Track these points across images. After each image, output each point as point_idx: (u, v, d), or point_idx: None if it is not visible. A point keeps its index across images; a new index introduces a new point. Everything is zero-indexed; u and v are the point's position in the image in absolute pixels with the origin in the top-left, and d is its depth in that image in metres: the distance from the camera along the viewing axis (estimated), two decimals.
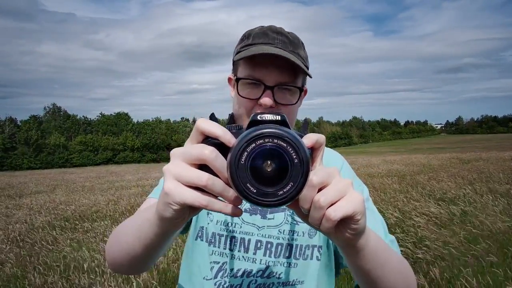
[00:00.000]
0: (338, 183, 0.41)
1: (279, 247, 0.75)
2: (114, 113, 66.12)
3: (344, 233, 0.42)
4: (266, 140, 0.37)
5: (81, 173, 27.11)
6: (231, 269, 0.75)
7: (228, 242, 0.77)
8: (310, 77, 0.76)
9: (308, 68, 0.75)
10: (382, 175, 10.26)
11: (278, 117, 0.42)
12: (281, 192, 0.38)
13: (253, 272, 0.74)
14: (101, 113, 65.51)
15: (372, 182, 8.52)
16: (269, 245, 0.74)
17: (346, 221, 0.41)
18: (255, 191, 0.38)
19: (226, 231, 0.77)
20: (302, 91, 0.74)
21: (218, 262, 0.77)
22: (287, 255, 0.76)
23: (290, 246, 0.75)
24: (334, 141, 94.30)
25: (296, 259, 0.76)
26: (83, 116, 65.02)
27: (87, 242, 5.00)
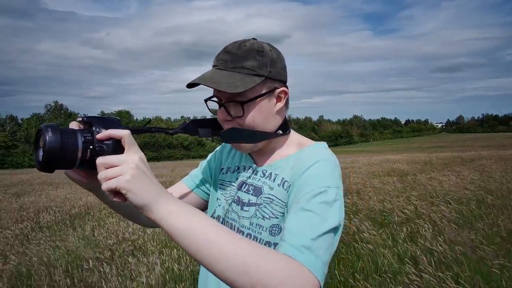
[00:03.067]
0: (118, 169, 0.58)
1: (248, 237, 0.83)
2: (115, 111, 66.31)
3: (123, 199, 0.59)
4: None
5: None
6: None
7: (223, 223, 0.89)
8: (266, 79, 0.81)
9: (269, 73, 0.80)
10: (384, 174, 10.25)
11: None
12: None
13: None
14: (102, 111, 65.66)
15: (373, 182, 8.50)
16: (241, 233, 0.84)
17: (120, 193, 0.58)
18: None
19: (224, 216, 0.90)
20: (251, 100, 0.78)
21: None
22: None
23: (255, 238, 0.82)
24: (335, 140, 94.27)
25: None
26: (84, 114, 65.05)
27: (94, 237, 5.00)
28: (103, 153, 0.60)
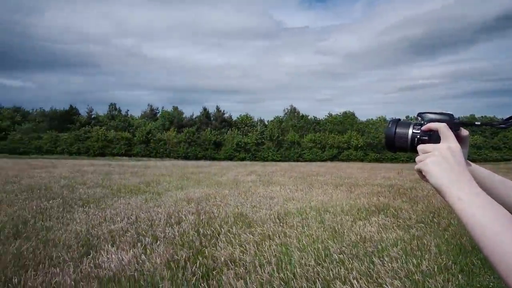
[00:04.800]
0: (428, 154, 0.71)
1: None
2: (340, 112, 69.68)
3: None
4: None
5: (308, 166, 30.05)
6: None
7: None
8: None
9: None
10: None
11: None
12: None
13: None
14: (329, 113, 70.61)
15: None
16: None
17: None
18: None
19: None
20: None
21: None
22: None
23: None
24: None
25: None
26: (313, 116, 72.19)
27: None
28: (425, 141, 0.76)
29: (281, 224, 6.31)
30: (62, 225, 6.15)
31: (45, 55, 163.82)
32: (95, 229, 5.80)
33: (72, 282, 3.53)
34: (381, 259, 4.26)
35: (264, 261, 4.19)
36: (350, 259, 4.25)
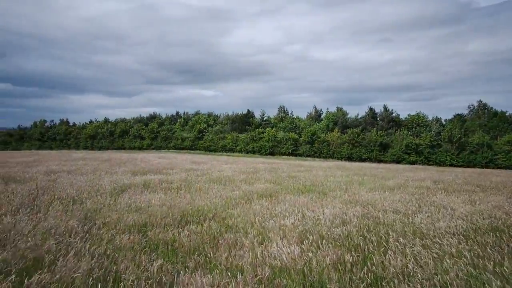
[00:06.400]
0: None
1: None
2: None
3: None
4: None
5: (504, 173, 23.99)
6: None
7: None
8: None
9: None
10: None
11: None
12: None
13: None
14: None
15: None
16: None
17: None
18: None
19: None
20: None
21: None
22: None
23: None
24: None
25: None
26: None
27: None
28: None
29: (466, 241, 5.31)
30: (245, 213, 7.14)
31: (231, 67, 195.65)
32: (266, 222, 6.43)
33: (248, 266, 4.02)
34: None
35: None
36: None
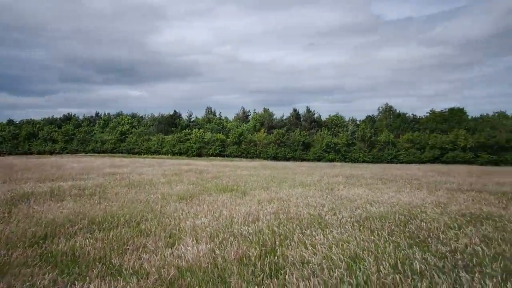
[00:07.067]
0: None
1: None
2: (445, 109, 62.12)
3: None
4: None
5: (404, 168, 27.55)
6: None
7: None
8: None
9: None
10: None
11: None
12: None
13: None
14: (431, 110, 63.55)
15: None
16: None
17: None
18: None
19: None
20: None
21: None
22: None
23: None
24: None
25: None
26: (412, 114, 66.10)
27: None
28: None
29: (360, 228, 6.01)
30: (160, 216, 7.00)
31: (161, 67, 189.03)
32: (182, 223, 6.42)
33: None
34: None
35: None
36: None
